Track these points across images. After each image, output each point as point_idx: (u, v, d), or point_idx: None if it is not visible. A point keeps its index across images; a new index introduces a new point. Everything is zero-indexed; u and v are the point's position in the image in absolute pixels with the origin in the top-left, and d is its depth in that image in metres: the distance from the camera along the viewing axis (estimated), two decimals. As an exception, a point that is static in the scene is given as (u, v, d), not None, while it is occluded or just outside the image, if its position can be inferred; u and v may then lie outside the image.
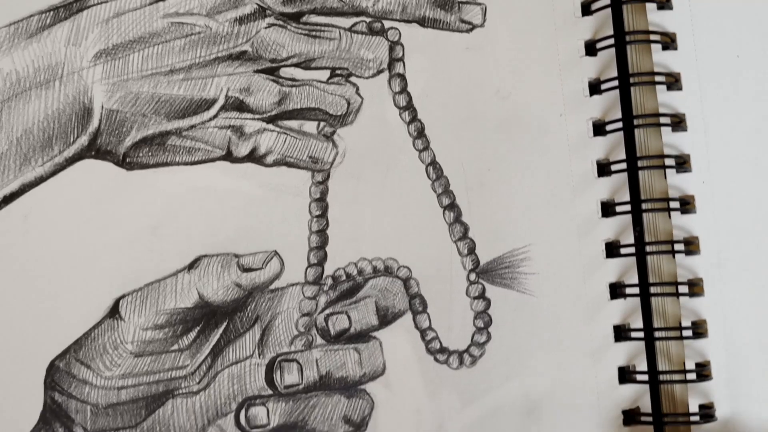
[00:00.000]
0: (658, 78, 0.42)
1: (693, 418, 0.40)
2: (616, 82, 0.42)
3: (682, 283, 0.41)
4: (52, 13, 0.40)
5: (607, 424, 0.41)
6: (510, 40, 0.42)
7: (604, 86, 0.42)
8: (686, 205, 0.41)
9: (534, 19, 0.42)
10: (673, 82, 0.42)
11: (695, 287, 0.41)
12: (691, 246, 0.41)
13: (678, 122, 0.42)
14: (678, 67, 0.42)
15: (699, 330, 0.41)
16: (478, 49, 0.42)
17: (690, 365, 0.41)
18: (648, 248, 0.41)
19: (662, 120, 0.41)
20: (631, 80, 0.42)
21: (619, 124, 0.42)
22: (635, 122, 0.41)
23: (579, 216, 0.42)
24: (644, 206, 0.41)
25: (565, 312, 0.41)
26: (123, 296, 0.40)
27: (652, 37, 0.42)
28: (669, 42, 0.42)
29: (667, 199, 0.41)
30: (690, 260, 0.41)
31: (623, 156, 0.42)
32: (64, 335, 0.39)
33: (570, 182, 0.42)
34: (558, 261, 0.42)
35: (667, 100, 0.42)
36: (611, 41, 0.42)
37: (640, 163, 0.42)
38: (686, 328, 0.41)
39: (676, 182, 0.42)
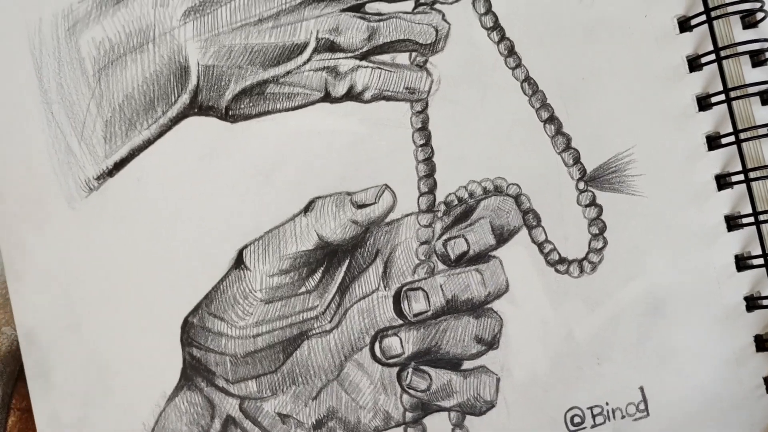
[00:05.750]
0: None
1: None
2: (695, -23, 0.41)
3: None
4: (135, -24, 0.39)
5: (731, 311, 0.41)
6: (586, -53, 0.42)
7: (683, -17, 0.41)
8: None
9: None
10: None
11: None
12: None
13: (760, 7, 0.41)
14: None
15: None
16: (557, -40, 0.41)
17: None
18: (742, 135, 0.41)
19: (743, 7, 0.41)
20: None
21: (703, 17, 0.41)
22: (713, 14, 0.41)
23: (676, 113, 0.41)
24: (732, 94, 0.41)
25: (675, 207, 0.41)
26: (245, 246, 0.39)
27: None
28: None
29: (757, 83, 0.41)
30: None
31: (711, 48, 0.41)
32: (193, 292, 0.39)
33: (663, 80, 0.41)
34: (662, 159, 0.41)
35: None
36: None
37: (723, 53, 0.41)
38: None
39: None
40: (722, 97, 0.40)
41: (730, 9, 0.40)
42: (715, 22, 0.40)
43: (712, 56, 0.40)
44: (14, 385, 0.42)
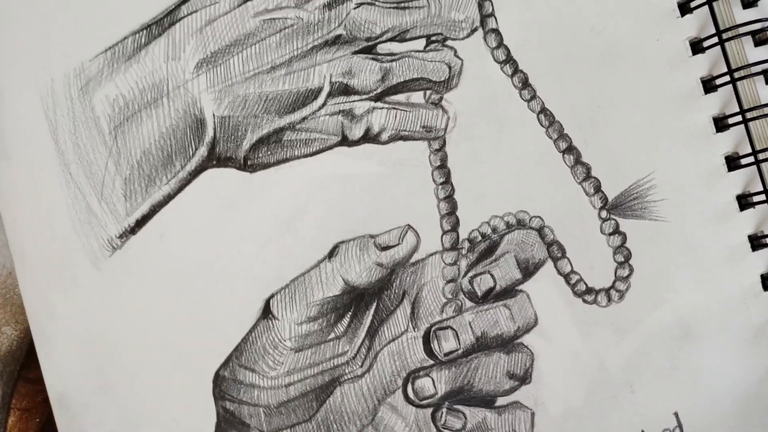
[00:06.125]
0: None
1: None
2: (703, -1, 0.41)
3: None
4: (145, 31, 0.39)
5: (760, 330, 0.41)
6: (594, -25, 0.41)
7: (693, 4, 0.41)
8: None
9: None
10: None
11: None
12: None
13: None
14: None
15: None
16: (565, -11, 0.41)
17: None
18: (761, 156, 0.41)
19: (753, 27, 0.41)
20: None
21: (715, 39, 0.41)
22: (725, 35, 0.41)
23: (694, 135, 0.41)
24: (748, 115, 0.41)
25: (698, 230, 0.41)
26: (272, 296, 0.39)
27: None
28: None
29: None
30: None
31: (724, 69, 0.41)
32: (223, 344, 0.39)
33: (678, 103, 0.41)
34: (683, 182, 0.41)
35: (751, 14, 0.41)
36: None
37: (737, 74, 0.41)
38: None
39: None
40: (739, 118, 0.40)
41: (741, 30, 0.40)
42: (727, 43, 0.40)
43: (727, 77, 0.40)
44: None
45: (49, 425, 0.41)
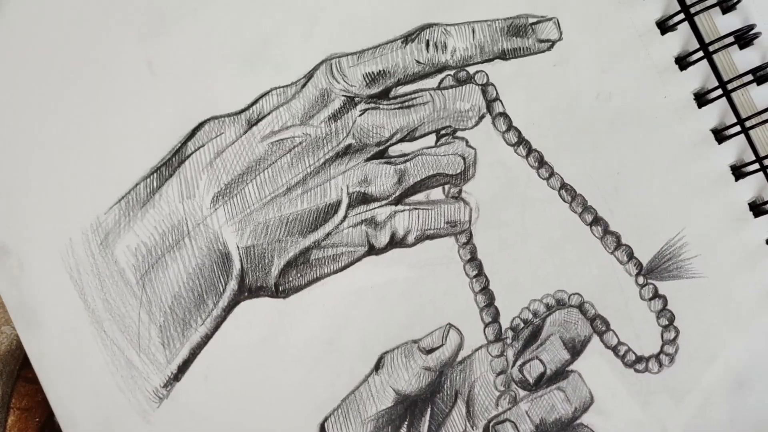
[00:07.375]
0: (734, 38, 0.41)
1: None
2: (700, 53, 0.41)
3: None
4: (155, 175, 0.39)
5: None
6: (591, 42, 0.41)
7: (690, 59, 0.41)
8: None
9: (608, 15, 0.41)
10: (747, 32, 0.41)
11: None
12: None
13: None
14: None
15: None
16: (565, 62, 0.41)
17: None
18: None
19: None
20: (711, 48, 0.41)
21: (719, 92, 0.41)
22: (729, 86, 0.41)
23: (715, 186, 0.41)
24: (766, 162, 0.41)
25: (735, 279, 0.40)
26: (326, 419, 0.39)
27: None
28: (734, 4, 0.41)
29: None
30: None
31: (734, 120, 0.41)
32: (285, 478, 0.38)
33: (694, 157, 0.41)
34: (712, 235, 0.41)
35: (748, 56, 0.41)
36: (681, 16, 0.41)
37: (749, 123, 0.41)
38: None
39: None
40: (756, 166, 0.40)
41: (745, 79, 0.40)
42: (733, 94, 0.40)
43: (737, 128, 0.40)
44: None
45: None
